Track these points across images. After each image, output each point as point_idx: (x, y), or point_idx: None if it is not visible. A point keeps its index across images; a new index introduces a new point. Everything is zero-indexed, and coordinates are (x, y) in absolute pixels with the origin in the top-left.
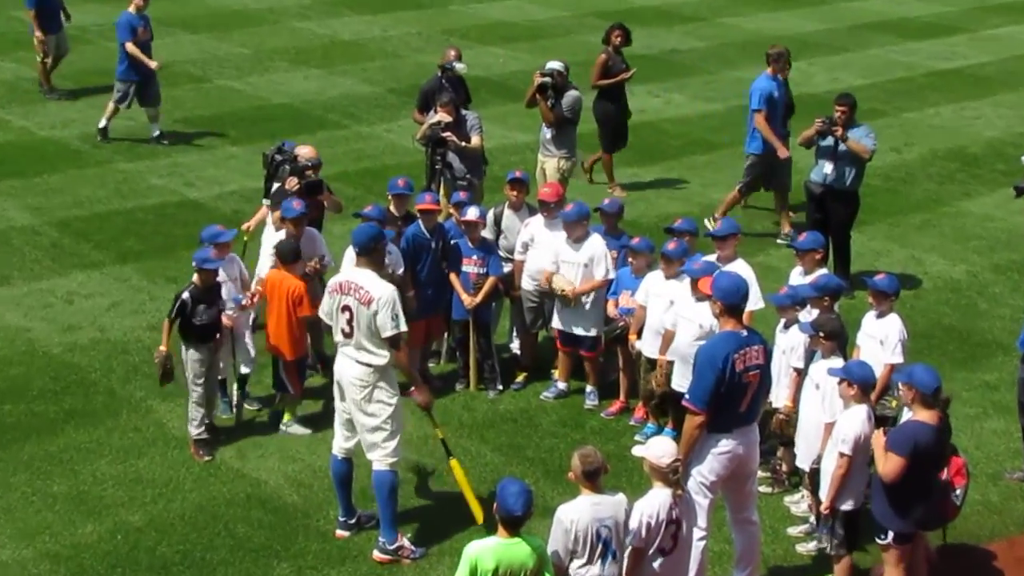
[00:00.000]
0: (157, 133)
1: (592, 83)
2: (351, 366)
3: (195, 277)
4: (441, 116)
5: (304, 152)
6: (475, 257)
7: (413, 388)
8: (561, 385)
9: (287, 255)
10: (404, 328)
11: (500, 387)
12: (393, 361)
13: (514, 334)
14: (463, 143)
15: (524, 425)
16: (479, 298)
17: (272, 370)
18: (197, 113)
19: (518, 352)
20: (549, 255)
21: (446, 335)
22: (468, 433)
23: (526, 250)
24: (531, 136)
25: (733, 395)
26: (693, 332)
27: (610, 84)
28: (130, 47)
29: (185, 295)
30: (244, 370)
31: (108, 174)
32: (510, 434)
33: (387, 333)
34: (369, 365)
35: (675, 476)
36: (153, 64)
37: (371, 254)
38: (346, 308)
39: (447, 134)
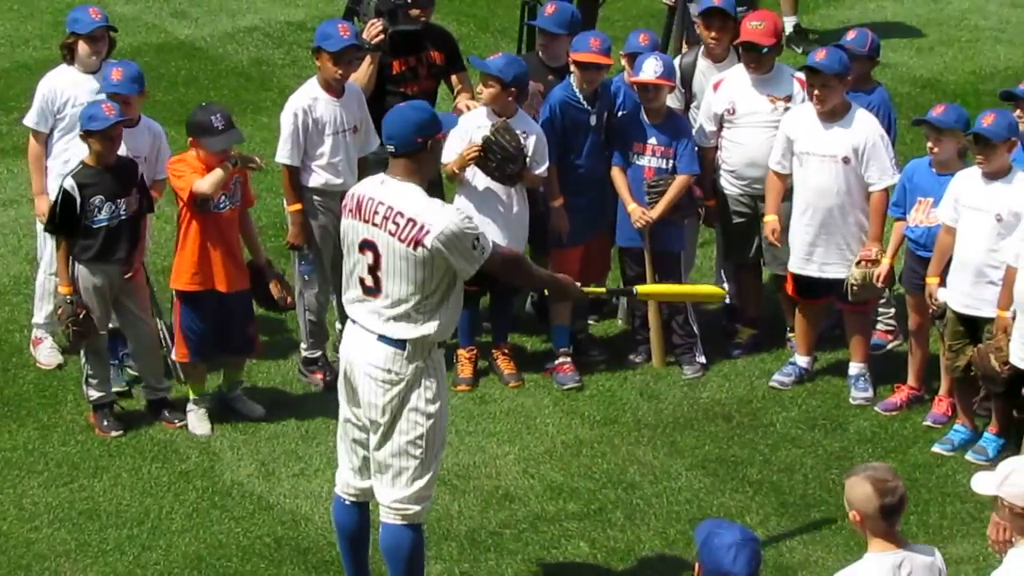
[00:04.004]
0: None
1: None
2: (369, 345)
3: (83, 154)
4: None
5: None
6: (654, 142)
7: (557, 282)
8: (802, 361)
9: (196, 126)
10: (490, 247)
11: (702, 359)
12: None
13: (723, 272)
14: None
15: (744, 425)
16: (658, 210)
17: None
18: None
19: (733, 299)
20: (763, 138)
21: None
22: (650, 437)
23: (720, 128)
24: None
25: None
26: None
27: None
28: None
29: (67, 182)
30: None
31: None
32: (721, 441)
33: (474, 268)
34: (401, 342)
35: None
36: None
37: (414, 154)
38: (368, 246)
39: None
